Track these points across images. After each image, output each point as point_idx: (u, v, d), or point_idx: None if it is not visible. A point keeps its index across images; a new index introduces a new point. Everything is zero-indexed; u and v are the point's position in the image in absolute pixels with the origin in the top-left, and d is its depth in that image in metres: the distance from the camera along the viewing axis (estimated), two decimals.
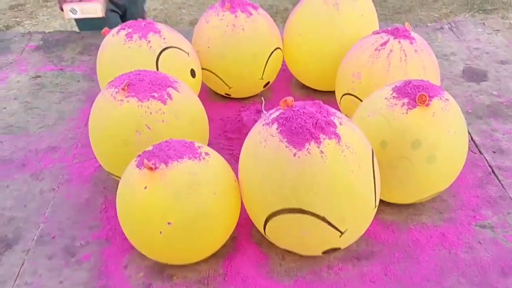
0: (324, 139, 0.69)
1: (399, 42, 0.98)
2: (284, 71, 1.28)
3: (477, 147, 1.07)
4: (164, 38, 1.03)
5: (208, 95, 1.24)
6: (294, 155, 0.69)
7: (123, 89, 0.83)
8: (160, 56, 1.02)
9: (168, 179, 0.69)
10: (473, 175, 0.99)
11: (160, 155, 0.71)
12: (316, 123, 0.70)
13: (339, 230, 0.72)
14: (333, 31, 1.14)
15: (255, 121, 1.09)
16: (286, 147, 0.69)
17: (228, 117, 1.17)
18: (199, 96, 1.13)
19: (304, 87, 1.28)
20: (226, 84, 1.19)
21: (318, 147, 0.69)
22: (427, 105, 0.79)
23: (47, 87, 1.29)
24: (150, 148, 0.74)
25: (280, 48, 1.21)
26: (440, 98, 0.80)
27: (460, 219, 0.89)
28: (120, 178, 0.77)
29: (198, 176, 0.71)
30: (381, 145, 0.81)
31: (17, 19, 3.77)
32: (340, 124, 0.72)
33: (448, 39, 1.51)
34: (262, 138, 0.72)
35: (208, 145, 1.06)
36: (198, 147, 0.75)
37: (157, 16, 3.80)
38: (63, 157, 1.05)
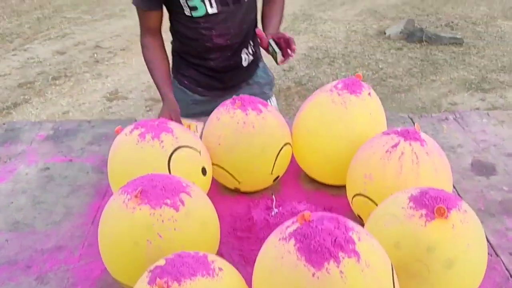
0: (343, 257, 0.67)
1: (410, 144, 0.99)
2: (293, 163, 1.29)
3: (493, 248, 1.04)
4: (176, 138, 1.04)
5: (217, 189, 1.24)
6: (313, 275, 0.67)
7: (136, 196, 0.82)
8: (172, 156, 1.02)
9: None
10: (490, 281, 0.96)
11: (172, 272, 0.69)
12: (335, 240, 0.68)
13: None
14: (342, 129, 1.16)
15: (266, 220, 1.08)
16: (305, 265, 0.67)
17: (238, 213, 1.16)
18: (208, 191, 1.13)
19: (313, 181, 1.28)
20: (236, 179, 1.18)
21: (338, 267, 0.67)
22: (445, 218, 0.77)
23: (55, 179, 1.29)
24: (162, 262, 0.72)
25: (289, 143, 1.22)
26: (458, 209, 0.79)
27: None
28: (128, 285, 0.75)
29: None
30: (397, 257, 0.79)
31: (25, 97, 3.86)
32: (359, 240, 0.70)
33: (454, 129, 1.52)
34: (279, 254, 0.70)
35: (219, 244, 1.04)
36: (212, 261, 0.73)
37: None
38: (69, 258, 1.03)
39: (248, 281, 0.81)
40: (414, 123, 1.52)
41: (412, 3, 6.19)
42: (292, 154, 1.26)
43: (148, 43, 1.55)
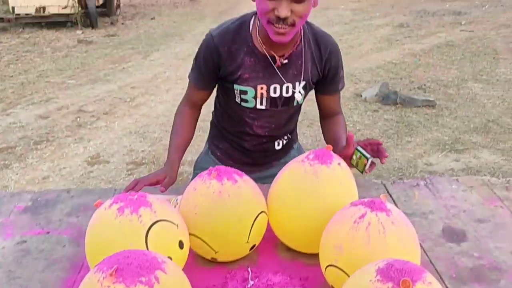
0: None
1: (376, 215, 1.03)
2: (269, 231, 1.31)
3: None
4: (154, 212, 1.07)
5: (194, 260, 1.25)
6: None
7: (111, 274, 0.84)
8: (150, 230, 1.04)
9: None
10: None
11: None
12: None
13: None
14: (314, 199, 1.20)
15: None
16: None
17: (214, 285, 1.17)
18: (185, 263, 1.14)
19: (289, 249, 1.30)
20: (213, 249, 1.20)
21: None
22: None
23: (32, 253, 1.28)
24: None
25: (264, 212, 1.26)
26: (423, 282, 0.82)
27: None
28: None
29: None
30: None
31: (6, 162, 3.85)
32: None
33: (425, 196, 1.58)
34: None
35: None
36: None
37: (145, 157, 3.93)
38: None
39: None
40: (387, 190, 1.58)
41: (386, 67, 6.47)
42: (268, 222, 1.28)
43: (184, 111, 1.63)
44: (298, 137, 1.90)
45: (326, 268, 1.08)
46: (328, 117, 1.71)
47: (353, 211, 1.06)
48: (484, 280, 1.19)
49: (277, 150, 1.73)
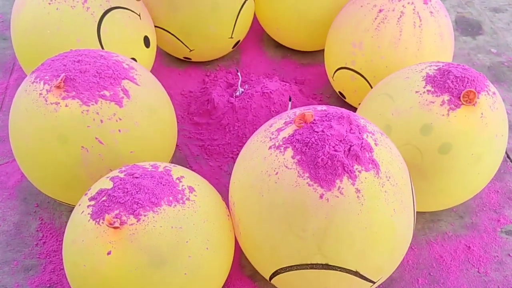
0: (360, 171, 0.50)
1: (411, 2, 0.78)
2: (254, 23, 1.04)
3: None
4: None
5: (162, 60, 0.99)
6: (321, 196, 0.49)
7: (58, 86, 0.58)
8: (103, 22, 0.74)
9: (143, 240, 0.48)
10: (502, 184, 0.84)
11: (126, 201, 0.49)
12: (349, 150, 0.50)
13: (372, 282, 0.55)
14: None
15: (229, 102, 0.86)
16: (309, 185, 0.49)
17: (192, 92, 0.94)
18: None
19: (279, 45, 1.05)
20: (186, 46, 0.94)
21: (354, 184, 0.49)
22: (474, 105, 0.60)
23: None
24: (107, 184, 0.51)
25: None
26: (487, 92, 0.62)
27: (484, 225, 0.76)
28: (61, 201, 0.55)
29: (184, 230, 0.50)
30: (412, 156, 0.63)
31: None
32: (376, 144, 0.52)
33: None
34: (272, 169, 0.52)
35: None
36: (178, 179, 0.53)
37: None
38: None
39: (217, 184, 0.64)
40: None
41: None
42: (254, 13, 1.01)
43: None
44: None
45: (336, 71, 0.85)
46: None
47: None
48: (504, 80, 1.02)
49: None
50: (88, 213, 0.50)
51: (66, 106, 0.58)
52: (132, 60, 0.68)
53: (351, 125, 0.52)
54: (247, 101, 0.84)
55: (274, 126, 0.55)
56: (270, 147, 0.53)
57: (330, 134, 0.50)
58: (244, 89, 0.87)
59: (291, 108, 0.84)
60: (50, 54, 0.65)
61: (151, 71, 0.93)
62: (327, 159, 0.49)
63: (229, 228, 0.57)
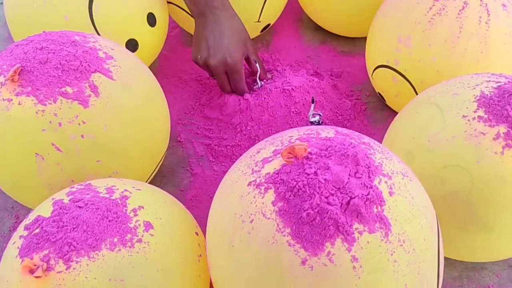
0: (361, 232, 0.37)
1: None
2: (291, 3, 0.90)
3: None
4: None
5: (184, 38, 0.87)
6: (304, 262, 0.37)
7: (11, 79, 0.48)
8: None
9: None
10: None
11: (57, 240, 0.39)
12: (348, 203, 0.37)
13: None
14: None
15: (244, 98, 0.73)
16: (290, 245, 0.37)
17: (208, 79, 0.82)
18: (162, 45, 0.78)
19: (318, 29, 0.90)
20: None
21: (350, 250, 0.36)
22: None
23: None
24: (47, 211, 0.41)
25: None
26: None
27: None
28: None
29: (126, 284, 0.39)
30: (452, 195, 0.48)
31: None
32: (391, 193, 0.39)
33: None
34: (247, 214, 0.39)
35: (177, 124, 0.73)
36: (134, 211, 0.42)
37: None
38: None
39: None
40: None
41: None
42: None
43: None
44: None
45: (375, 68, 0.70)
46: None
47: None
48: None
49: None
50: (17, 247, 0.40)
51: (19, 104, 0.48)
52: (118, 46, 0.57)
53: (357, 166, 0.38)
54: (264, 98, 0.70)
55: (261, 154, 0.42)
56: (249, 183, 0.40)
57: (324, 179, 0.37)
58: (264, 83, 0.74)
59: (315, 112, 0.71)
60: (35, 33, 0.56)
61: (163, 53, 0.82)
62: (316, 214, 0.36)
63: (198, 276, 0.45)
